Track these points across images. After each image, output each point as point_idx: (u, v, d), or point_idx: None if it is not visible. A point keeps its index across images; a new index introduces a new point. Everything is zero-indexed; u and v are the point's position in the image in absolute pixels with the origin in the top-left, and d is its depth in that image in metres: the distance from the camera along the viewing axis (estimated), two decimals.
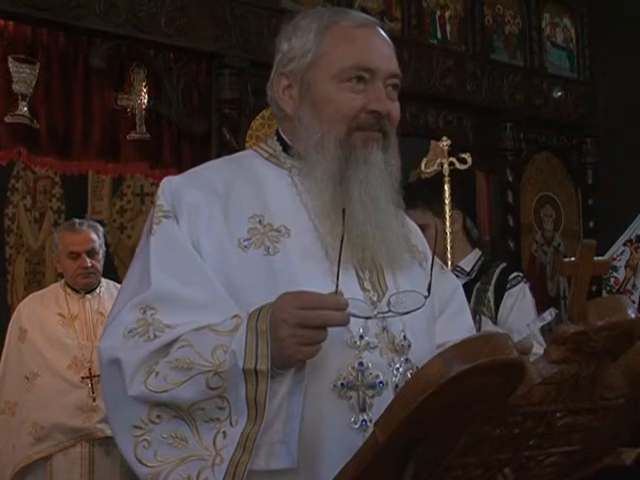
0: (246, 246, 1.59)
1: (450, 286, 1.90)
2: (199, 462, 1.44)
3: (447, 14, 4.73)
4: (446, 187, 3.08)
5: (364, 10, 4.36)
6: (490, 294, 3.16)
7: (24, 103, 3.43)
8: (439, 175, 3.18)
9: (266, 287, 1.55)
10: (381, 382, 1.57)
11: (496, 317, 3.12)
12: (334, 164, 1.62)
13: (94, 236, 3.82)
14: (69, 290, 3.83)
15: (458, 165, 3.12)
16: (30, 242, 5.82)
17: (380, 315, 1.56)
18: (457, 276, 3.14)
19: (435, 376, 1.16)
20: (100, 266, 3.84)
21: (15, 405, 3.65)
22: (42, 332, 3.71)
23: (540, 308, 3.28)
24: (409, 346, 1.63)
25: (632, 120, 4.99)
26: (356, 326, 1.56)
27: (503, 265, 3.29)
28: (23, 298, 4.27)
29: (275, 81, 1.72)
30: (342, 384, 1.55)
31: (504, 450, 1.35)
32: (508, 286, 3.17)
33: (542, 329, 2.44)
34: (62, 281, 3.93)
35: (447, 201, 3.08)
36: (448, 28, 4.73)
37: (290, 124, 1.71)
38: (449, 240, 3.08)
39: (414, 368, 1.62)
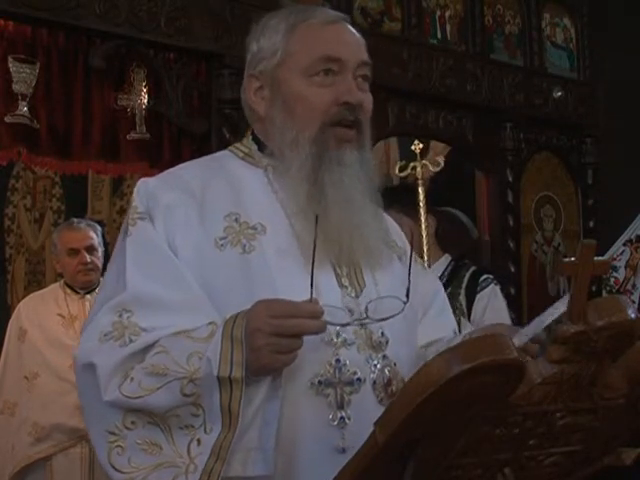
0: (222, 245, 1.59)
1: (432, 287, 1.90)
2: (173, 469, 1.43)
3: (447, 14, 4.73)
4: (420, 190, 3.09)
5: (364, 10, 4.36)
6: (462, 298, 3.20)
7: (24, 103, 3.44)
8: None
9: (243, 285, 1.55)
10: (359, 379, 1.57)
11: (469, 320, 3.15)
12: (308, 162, 1.61)
13: (92, 234, 3.83)
14: (69, 290, 3.84)
15: (431, 167, 3.14)
16: (30, 242, 5.83)
17: (357, 322, 1.56)
18: None
19: (435, 376, 1.16)
20: (100, 264, 3.84)
21: (15, 405, 3.65)
22: (42, 332, 3.71)
23: (540, 308, 3.28)
24: (387, 342, 1.63)
25: (632, 120, 4.99)
26: (330, 316, 1.53)
27: (473, 269, 3.32)
28: (23, 298, 4.27)
29: (246, 83, 1.72)
30: (319, 381, 1.54)
31: (504, 450, 1.35)
32: (478, 289, 3.21)
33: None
34: (62, 281, 3.93)
35: (422, 204, 3.10)
36: (448, 28, 4.73)
37: (263, 125, 1.71)
38: (425, 242, 3.11)
39: (392, 364, 1.62)
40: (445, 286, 3.22)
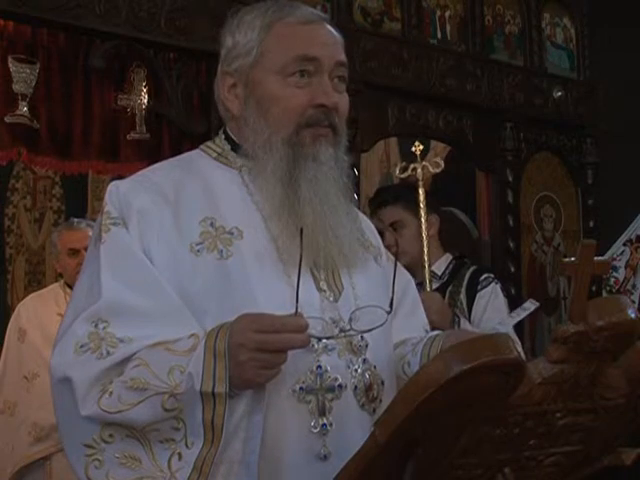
0: (199, 250, 1.55)
1: (402, 281, 1.86)
2: None
3: (447, 14, 4.73)
4: (420, 191, 3.09)
5: (364, 10, 4.36)
6: (462, 296, 3.19)
7: (24, 103, 3.44)
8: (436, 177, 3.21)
9: (220, 291, 1.53)
10: (340, 385, 1.55)
11: (469, 319, 3.13)
12: (283, 163, 1.58)
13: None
14: (69, 290, 3.83)
15: (432, 169, 3.13)
16: (30, 242, 5.83)
17: (342, 335, 1.55)
18: (430, 280, 3.18)
19: (435, 376, 1.16)
20: None
21: (14, 405, 3.65)
22: (42, 332, 3.71)
23: (540, 308, 3.27)
24: (366, 346, 1.61)
25: (632, 120, 4.99)
26: (314, 329, 1.52)
27: (474, 268, 3.31)
28: (23, 298, 4.27)
29: (220, 79, 1.68)
30: (301, 388, 1.52)
31: (504, 450, 1.35)
32: (479, 287, 3.19)
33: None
34: (62, 281, 3.93)
35: (422, 205, 3.09)
36: (448, 28, 4.73)
37: (237, 124, 1.67)
38: (425, 243, 3.09)
39: (372, 368, 1.60)
40: (446, 285, 3.23)
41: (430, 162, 3.15)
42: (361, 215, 1.83)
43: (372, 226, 1.89)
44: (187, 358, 1.42)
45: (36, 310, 3.79)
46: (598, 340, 1.27)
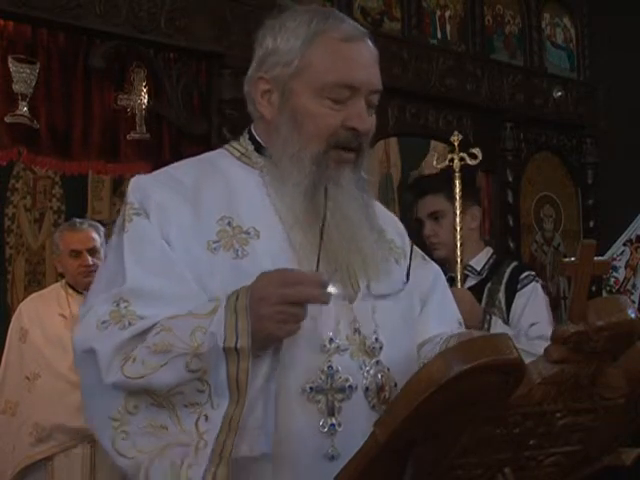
0: (215, 248, 1.57)
1: (430, 276, 1.86)
2: (181, 448, 1.41)
3: (447, 14, 4.73)
4: (457, 182, 3.03)
5: (364, 10, 4.36)
6: (501, 294, 3.08)
7: (24, 103, 3.43)
8: (464, 169, 3.10)
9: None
10: (350, 386, 1.55)
11: (508, 318, 3.03)
12: (307, 180, 1.60)
13: (95, 235, 3.81)
14: (70, 290, 3.83)
15: (469, 160, 3.06)
16: (30, 242, 5.82)
17: (361, 296, 1.59)
18: (467, 275, 3.11)
19: (435, 376, 1.16)
20: None
21: (16, 405, 3.64)
22: (43, 332, 3.71)
23: None
24: (381, 348, 1.61)
25: (632, 120, 4.99)
26: (327, 329, 1.55)
27: (514, 264, 3.21)
28: (23, 298, 4.27)
29: (254, 81, 1.69)
30: (311, 388, 1.53)
31: (504, 450, 1.35)
32: (519, 286, 3.08)
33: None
34: (63, 281, 3.92)
35: (458, 196, 3.02)
36: (448, 28, 4.73)
37: (266, 126, 1.69)
38: (459, 236, 2.99)
39: (385, 370, 1.61)
40: (484, 281, 3.11)
41: (468, 153, 3.07)
42: (387, 215, 1.85)
43: (400, 226, 1.89)
44: (209, 319, 1.43)
45: (37, 310, 3.79)
46: (598, 340, 1.27)
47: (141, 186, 1.63)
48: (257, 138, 1.72)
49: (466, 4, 4.81)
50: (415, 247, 1.88)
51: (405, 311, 1.71)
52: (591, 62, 5.29)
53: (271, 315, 1.39)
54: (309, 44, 1.62)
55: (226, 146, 1.78)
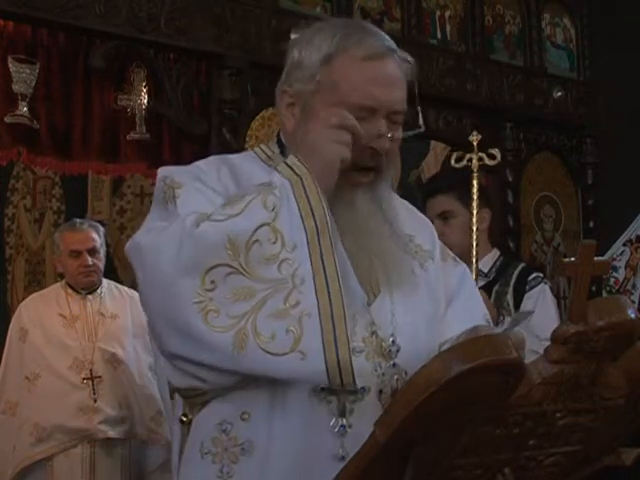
0: None
1: (458, 276, 1.84)
2: (278, 293, 1.39)
3: (447, 14, 4.73)
4: (474, 182, 3.00)
5: (364, 10, 4.36)
6: (509, 296, 3.06)
7: (24, 103, 3.44)
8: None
9: None
10: (363, 387, 1.54)
11: None
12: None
13: (95, 235, 3.82)
14: (70, 290, 3.83)
15: (487, 161, 3.03)
16: (30, 242, 5.82)
17: (379, 299, 1.60)
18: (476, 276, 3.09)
19: (435, 376, 1.16)
20: (102, 265, 3.83)
21: (16, 405, 3.64)
22: (43, 332, 3.71)
23: None
24: (398, 351, 1.60)
25: (632, 120, 4.99)
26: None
27: (522, 265, 3.19)
28: (23, 298, 4.27)
29: (280, 93, 1.68)
30: (322, 388, 1.51)
31: (504, 450, 1.35)
32: (527, 288, 3.06)
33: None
34: (63, 281, 3.92)
35: (475, 197, 2.98)
36: (448, 28, 4.73)
37: (289, 137, 1.69)
38: (474, 236, 2.97)
39: (402, 373, 1.59)
40: (492, 283, 3.08)
41: (487, 153, 3.03)
42: (418, 217, 1.85)
43: (429, 227, 1.88)
44: (271, 179, 1.49)
45: (37, 310, 3.79)
46: (598, 340, 1.27)
47: (167, 175, 1.63)
48: (284, 142, 1.72)
49: (466, 4, 4.81)
50: (446, 248, 1.86)
51: (427, 314, 1.70)
52: (591, 62, 5.29)
53: (324, 136, 1.48)
54: (329, 63, 1.59)
55: (255, 148, 1.78)
